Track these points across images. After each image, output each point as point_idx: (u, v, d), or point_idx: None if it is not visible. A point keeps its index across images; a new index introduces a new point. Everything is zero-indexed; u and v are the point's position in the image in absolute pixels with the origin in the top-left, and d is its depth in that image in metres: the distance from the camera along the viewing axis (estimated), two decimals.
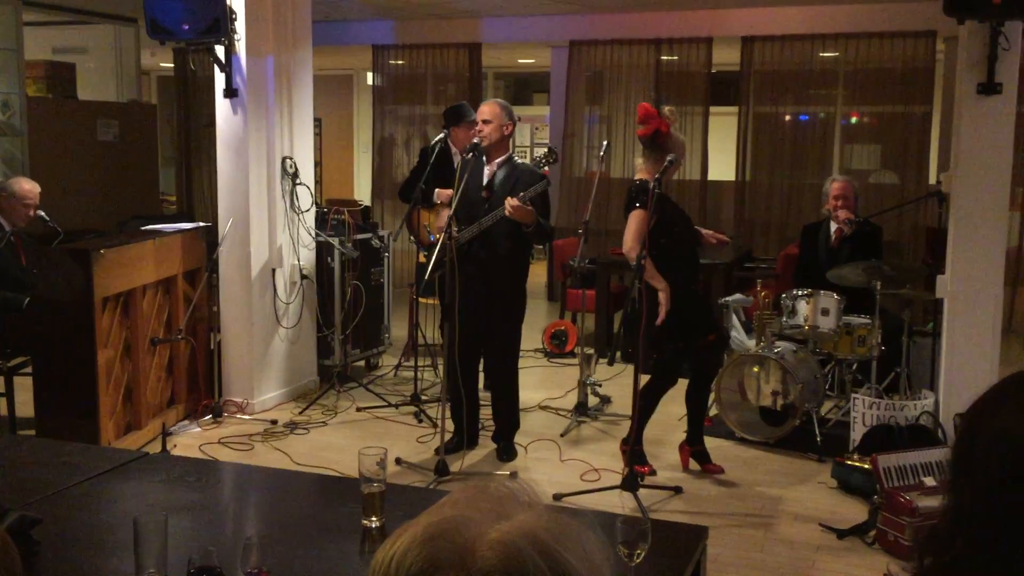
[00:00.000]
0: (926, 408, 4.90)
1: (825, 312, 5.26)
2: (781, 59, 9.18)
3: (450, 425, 4.96)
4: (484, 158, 4.86)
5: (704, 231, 4.97)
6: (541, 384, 6.55)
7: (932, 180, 8.80)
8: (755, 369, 5.39)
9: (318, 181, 8.19)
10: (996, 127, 4.87)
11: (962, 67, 4.94)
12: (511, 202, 4.56)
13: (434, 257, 4.67)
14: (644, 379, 4.58)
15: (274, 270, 5.97)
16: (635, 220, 4.50)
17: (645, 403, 4.67)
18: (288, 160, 6.02)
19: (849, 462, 4.64)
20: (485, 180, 4.85)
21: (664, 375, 4.74)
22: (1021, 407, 1.02)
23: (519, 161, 4.93)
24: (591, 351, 6.35)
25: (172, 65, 11.07)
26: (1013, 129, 4.93)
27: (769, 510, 4.43)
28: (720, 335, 4.97)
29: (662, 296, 4.42)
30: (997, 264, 4.95)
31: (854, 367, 5.65)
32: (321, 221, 6.29)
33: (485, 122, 4.79)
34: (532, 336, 7.61)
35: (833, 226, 5.96)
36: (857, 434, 4.88)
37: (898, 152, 9.05)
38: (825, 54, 9.16)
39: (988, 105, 4.84)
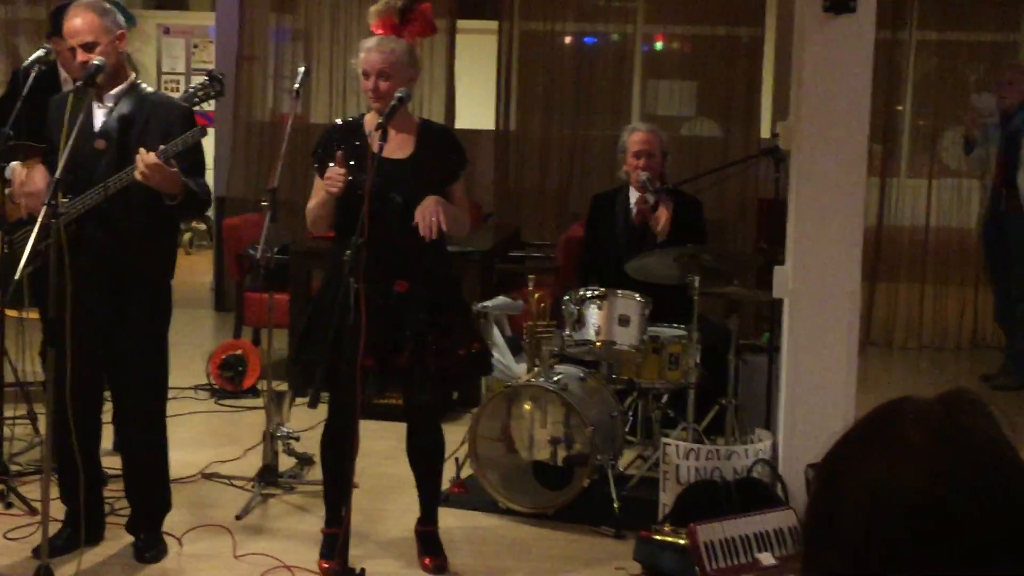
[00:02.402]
0: (761, 454, 5.18)
1: (624, 321, 5.43)
2: None
3: (59, 509, 4.80)
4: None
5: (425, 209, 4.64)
6: (205, 439, 6.47)
7: (766, 133, 9.37)
8: (526, 407, 5.50)
9: None
10: (850, 58, 5.18)
11: None
12: (146, 159, 4.43)
13: (29, 245, 4.45)
14: (367, 426, 4.57)
15: None
16: (316, 184, 4.76)
17: (328, 463, 4.82)
18: None
19: (658, 536, 4.82)
20: (98, 124, 4.73)
21: (334, 415, 4.78)
22: (894, 451, 1.06)
23: (149, 91, 4.89)
24: (283, 387, 6.27)
25: None
26: (871, 62, 5.25)
27: None
28: (422, 350, 4.65)
29: (320, 185, 4.62)
30: (854, 250, 5.28)
31: (664, 399, 5.87)
32: None
33: (86, 47, 4.64)
34: (190, 364, 7.45)
35: (634, 195, 6.19)
36: (669, 496, 5.08)
37: (720, 93, 9.56)
38: None
39: (839, 29, 5.12)
